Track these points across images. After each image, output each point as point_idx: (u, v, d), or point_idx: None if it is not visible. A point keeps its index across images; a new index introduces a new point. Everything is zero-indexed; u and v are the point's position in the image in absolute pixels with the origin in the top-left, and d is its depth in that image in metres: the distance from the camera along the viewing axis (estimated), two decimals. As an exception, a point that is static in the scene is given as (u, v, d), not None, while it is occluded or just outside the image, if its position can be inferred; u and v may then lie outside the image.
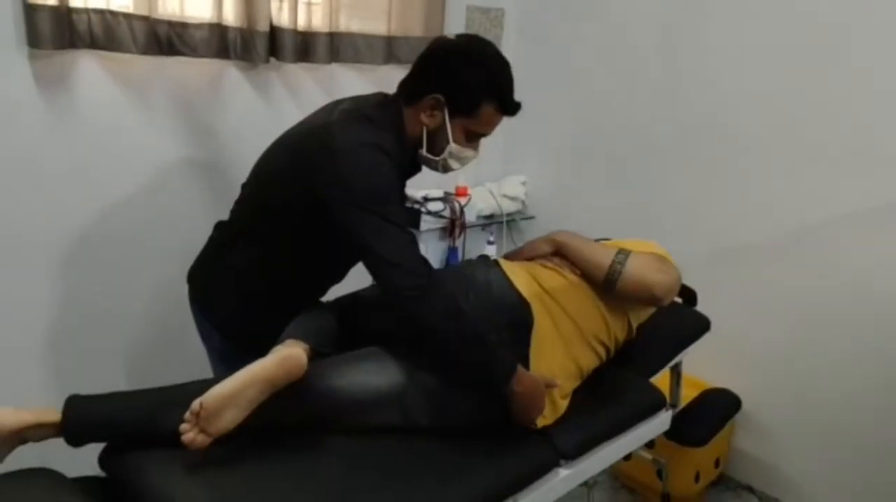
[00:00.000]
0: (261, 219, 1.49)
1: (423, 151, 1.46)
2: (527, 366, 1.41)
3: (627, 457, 1.97)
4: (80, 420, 1.23)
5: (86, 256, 1.88)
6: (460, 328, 1.30)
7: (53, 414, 1.22)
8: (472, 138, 1.46)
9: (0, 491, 1.15)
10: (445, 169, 1.50)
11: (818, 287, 2.17)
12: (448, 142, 1.43)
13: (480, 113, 1.41)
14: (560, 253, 1.64)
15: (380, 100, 1.48)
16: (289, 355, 1.25)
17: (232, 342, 1.53)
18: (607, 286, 1.55)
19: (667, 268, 1.57)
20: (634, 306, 1.63)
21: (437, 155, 1.45)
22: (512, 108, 1.44)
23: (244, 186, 1.58)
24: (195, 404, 1.17)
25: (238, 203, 1.58)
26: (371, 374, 1.35)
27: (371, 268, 1.34)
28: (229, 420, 1.18)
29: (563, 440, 1.41)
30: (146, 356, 2.06)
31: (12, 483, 1.17)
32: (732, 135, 2.30)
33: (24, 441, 1.22)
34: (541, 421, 1.42)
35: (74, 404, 1.23)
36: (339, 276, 1.63)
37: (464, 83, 1.39)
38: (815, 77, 2.10)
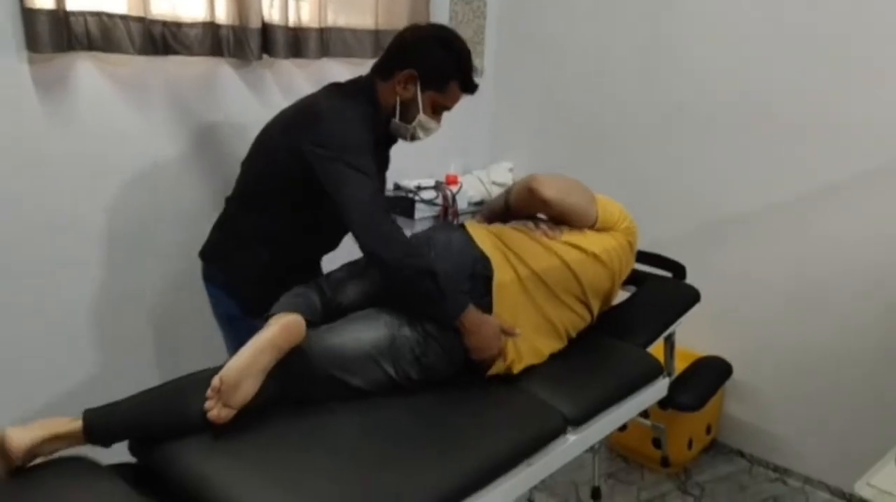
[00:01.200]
0: (261, 189, 1.69)
1: (396, 119, 1.66)
2: (489, 311, 1.52)
3: (623, 428, 2.06)
4: (103, 426, 1.26)
5: (91, 252, 1.92)
6: (415, 264, 1.45)
7: (64, 425, 1.24)
8: (437, 111, 1.68)
9: (37, 479, 1.20)
10: (413, 137, 1.69)
11: (801, 254, 2.28)
12: (418, 112, 1.64)
13: (448, 89, 1.64)
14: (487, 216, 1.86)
15: (355, 79, 1.72)
16: (289, 320, 1.36)
17: (240, 303, 1.69)
18: (507, 208, 1.80)
19: (550, 174, 1.75)
20: (610, 258, 1.72)
21: (409, 122, 1.65)
22: (473, 87, 1.68)
23: (243, 163, 1.75)
24: (215, 380, 1.24)
25: (239, 178, 1.75)
26: (361, 331, 1.45)
27: (341, 213, 1.49)
28: (247, 389, 1.27)
29: (568, 407, 1.48)
30: (162, 342, 2.12)
31: (48, 471, 1.21)
32: (715, 112, 2.40)
33: (34, 456, 1.22)
34: (516, 368, 1.54)
35: (92, 414, 1.26)
36: (333, 241, 1.80)
37: (438, 63, 1.62)
38: (790, 53, 2.20)
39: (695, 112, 2.44)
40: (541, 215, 1.81)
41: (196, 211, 2.07)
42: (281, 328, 1.33)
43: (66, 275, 1.88)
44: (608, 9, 2.61)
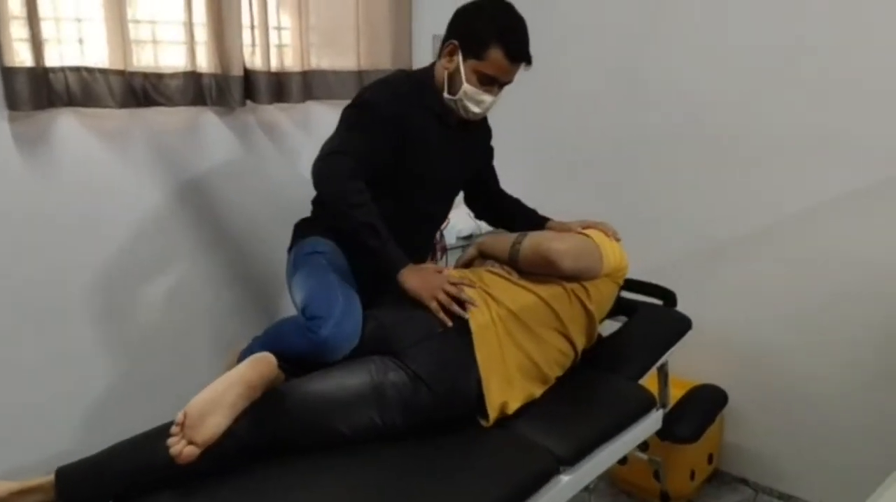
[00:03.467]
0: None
1: (445, 93, 1.69)
2: (472, 353, 1.48)
3: (623, 461, 2.03)
4: (71, 471, 1.25)
5: (76, 307, 1.90)
6: (357, 216, 1.55)
7: (39, 480, 1.24)
8: (485, 81, 1.66)
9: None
10: (466, 110, 1.70)
11: (794, 278, 2.26)
12: (462, 83, 1.63)
13: (488, 56, 1.62)
14: (486, 254, 1.79)
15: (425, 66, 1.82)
16: (259, 356, 1.33)
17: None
18: (512, 264, 1.68)
19: (565, 238, 1.69)
20: (589, 292, 1.69)
21: (454, 95, 1.67)
22: (519, 55, 1.64)
23: None
24: (179, 415, 1.19)
25: None
26: (345, 377, 1.42)
27: None
28: (213, 425, 1.19)
29: (560, 446, 1.46)
30: (161, 389, 2.06)
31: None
32: (705, 135, 2.39)
33: None
34: (511, 408, 1.50)
35: (65, 466, 1.27)
36: (407, 240, 1.68)
37: (473, 29, 1.63)
38: (779, 75, 2.20)
39: (685, 136, 2.44)
40: None
41: (184, 259, 2.07)
42: (250, 365, 1.30)
43: (52, 329, 1.86)
44: (596, 38, 2.63)
